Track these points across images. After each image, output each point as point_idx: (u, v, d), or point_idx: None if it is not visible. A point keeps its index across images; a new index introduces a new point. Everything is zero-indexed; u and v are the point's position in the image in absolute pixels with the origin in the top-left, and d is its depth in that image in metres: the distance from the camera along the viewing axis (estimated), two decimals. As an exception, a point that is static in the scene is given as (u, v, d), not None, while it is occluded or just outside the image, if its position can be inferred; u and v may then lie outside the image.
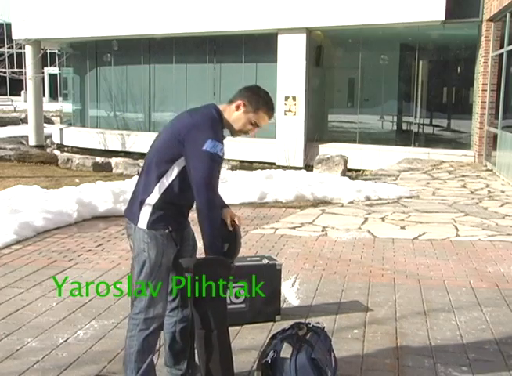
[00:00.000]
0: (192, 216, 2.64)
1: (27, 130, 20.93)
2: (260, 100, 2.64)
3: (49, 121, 26.06)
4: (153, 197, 2.58)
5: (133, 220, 2.62)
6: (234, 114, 2.65)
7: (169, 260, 2.61)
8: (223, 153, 2.55)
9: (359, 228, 6.62)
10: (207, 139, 2.50)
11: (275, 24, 14.61)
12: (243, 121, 2.64)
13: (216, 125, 2.59)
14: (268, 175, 9.58)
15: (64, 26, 17.60)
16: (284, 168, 12.25)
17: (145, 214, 2.59)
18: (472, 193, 9.14)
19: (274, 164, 14.83)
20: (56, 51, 24.41)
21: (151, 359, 2.64)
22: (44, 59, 24.40)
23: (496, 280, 4.76)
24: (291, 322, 3.07)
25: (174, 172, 2.57)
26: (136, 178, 2.88)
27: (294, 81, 14.80)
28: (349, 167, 11.25)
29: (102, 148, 17.86)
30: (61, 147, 20.09)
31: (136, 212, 2.61)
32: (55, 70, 30.79)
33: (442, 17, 12.84)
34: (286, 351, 2.80)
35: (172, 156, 2.56)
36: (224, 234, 2.70)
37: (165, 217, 2.60)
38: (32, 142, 20.20)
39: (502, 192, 9.23)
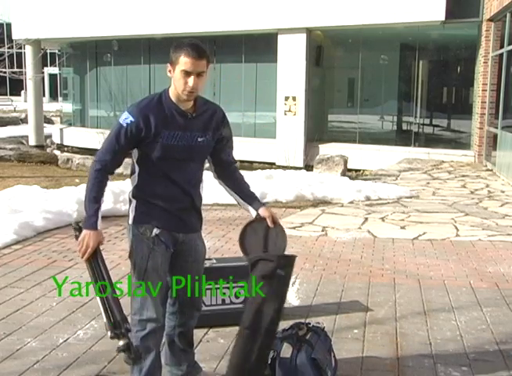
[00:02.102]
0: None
1: (27, 130, 20.92)
2: (176, 49, 2.48)
3: (49, 121, 26.04)
4: (131, 190, 2.64)
5: (127, 220, 2.65)
6: (173, 80, 2.54)
7: (156, 264, 2.57)
8: (128, 123, 2.49)
9: (359, 228, 6.62)
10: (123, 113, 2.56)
11: (275, 24, 14.61)
12: (177, 76, 2.48)
13: (146, 103, 2.59)
14: (268, 175, 9.57)
15: (64, 26, 17.59)
16: (284, 168, 12.25)
17: (130, 209, 2.62)
18: (472, 193, 9.14)
19: (274, 164, 14.83)
20: (56, 51, 24.40)
21: (154, 359, 2.63)
22: (44, 59, 24.38)
23: (496, 280, 4.76)
24: (291, 322, 3.08)
25: (135, 163, 2.61)
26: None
27: (294, 81, 14.79)
28: (349, 167, 11.25)
29: (102, 148, 17.86)
30: (61, 147, 20.09)
31: (128, 211, 2.65)
32: (55, 70, 30.76)
33: (442, 17, 12.83)
34: (286, 351, 2.81)
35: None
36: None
37: (147, 212, 2.58)
38: (32, 142, 20.19)
39: (503, 192, 9.23)
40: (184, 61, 2.45)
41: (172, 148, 2.52)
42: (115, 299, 2.46)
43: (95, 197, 2.50)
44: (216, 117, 2.67)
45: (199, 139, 2.58)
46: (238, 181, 2.78)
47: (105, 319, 2.45)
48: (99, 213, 2.51)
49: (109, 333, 2.43)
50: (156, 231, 2.56)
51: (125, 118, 2.50)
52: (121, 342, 2.42)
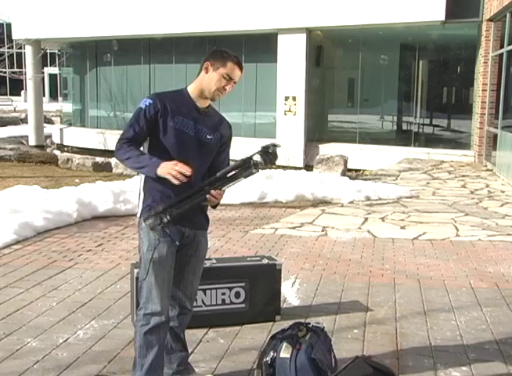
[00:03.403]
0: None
1: (27, 130, 20.93)
2: (224, 54, 2.67)
3: (49, 121, 26.05)
4: (141, 184, 2.72)
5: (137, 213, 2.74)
6: (205, 78, 2.68)
7: (162, 256, 2.61)
8: (147, 105, 2.61)
9: (359, 228, 6.61)
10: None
11: (275, 24, 14.61)
12: (216, 77, 2.64)
13: (164, 92, 2.73)
14: (268, 175, 9.57)
15: (64, 26, 17.60)
16: (284, 168, 12.23)
17: (139, 203, 2.70)
18: (472, 193, 9.14)
19: (274, 164, 14.80)
20: (56, 51, 24.42)
21: (157, 355, 2.63)
22: (44, 59, 24.39)
23: (496, 280, 4.76)
24: (291, 322, 3.08)
25: (146, 152, 2.70)
26: (137, 178, 2.90)
27: (294, 81, 14.79)
28: (349, 167, 11.24)
29: (102, 148, 17.84)
30: (61, 147, 20.10)
31: (137, 204, 2.73)
32: (55, 70, 30.80)
33: (442, 17, 12.83)
34: (285, 351, 2.81)
35: None
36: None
37: (153, 205, 2.59)
38: (32, 142, 20.21)
39: (503, 192, 9.23)
40: (232, 67, 2.65)
41: (183, 135, 2.62)
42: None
43: (139, 154, 2.59)
44: (223, 125, 2.81)
45: (208, 136, 2.70)
46: None
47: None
48: (152, 157, 2.58)
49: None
50: (163, 221, 2.59)
51: (144, 101, 2.66)
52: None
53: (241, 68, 2.68)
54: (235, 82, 2.68)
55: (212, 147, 2.72)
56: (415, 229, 6.59)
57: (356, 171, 12.50)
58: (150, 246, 2.61)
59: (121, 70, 18.56)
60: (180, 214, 2.51)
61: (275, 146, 2.57)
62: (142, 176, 2.68)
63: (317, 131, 15.62)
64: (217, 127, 2.75)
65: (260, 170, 2.57)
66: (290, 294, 4.33)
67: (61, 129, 20.80)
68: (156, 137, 2.64)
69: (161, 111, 2.61)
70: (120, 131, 2.70)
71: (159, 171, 2.50)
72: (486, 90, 12.85)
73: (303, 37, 14.59)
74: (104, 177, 9.81)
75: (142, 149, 2.66)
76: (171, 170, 2.47)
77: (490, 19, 12.47)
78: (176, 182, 2.47)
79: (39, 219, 6.18)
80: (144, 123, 2.62)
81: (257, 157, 2.54)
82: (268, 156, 2.55)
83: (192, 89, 2.71)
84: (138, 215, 2.69)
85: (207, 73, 2.67)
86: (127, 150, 2.59)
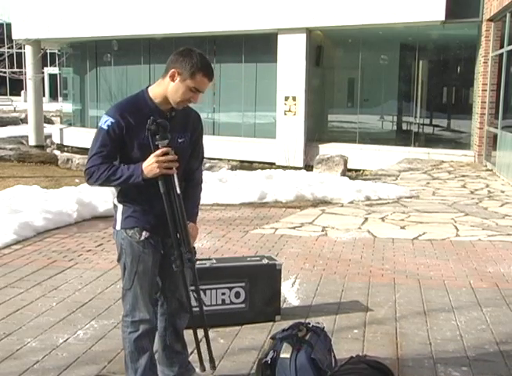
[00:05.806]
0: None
1: (27, 130, 20.94)
2: (194, 64, 2.42)
3: (49, 121, 26.04)
4: (116, 196, 2.62)
5: (113, 225, 2.64)
6: (170, 86, 2.46)
7: (146, 267, 2.57)
8: (109, 125, 2.43)
9: (359, 228, 6.61)
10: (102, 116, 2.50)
11: (275, 24, 14.61)
12: (182, 89, 2.44)
13: (123, 103, 2.52)
14: (268, 175, 9.58)
15: (64, 26, 17.60)
16: (284, 168, 12.25)
17: (117, 215, 2.60)
18: (472, 193, 9.14)
19: (274, 164, 14.83)
20: (56, 51, 24.42)
21: (149, 358, 2.65)
22: (44, 59, 24.40)
23: (496, 280, 4.76)
24: (291, 322, 3.08)
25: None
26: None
27: (294, 81, 14.79)
28: (349, 167, 11.25)
29: (102, 148, 17.86)
30: (61, 147, 20.11)
31: (114, 216, 2.64)
32: (55, 70, 30.79)
33: (442, 17, 12.84)
34: (285, 351, 2.81)
35: None
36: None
37: (135, 216, 2.56)
38: (32, 142, 20.21)
39: (502, 192, 9.23)
40: (202, 80, 2.45)
41: (150, 148, 2.46)
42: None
43: (113, 169, 2.44)
44: (192, 119, 2.66)
45: (179, 140, 2.55)
46: (187, 196, 2.64)
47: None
48: (128, 166, 2.45)
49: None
50: (145, 234, 2.56)
51: (105, 121, 2.45)
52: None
53: (212, 79, 2.47)
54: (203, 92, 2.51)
55: (185, 149, 2.59)
56: (415, 229, 6.59)
57: (356, 171, 12.51)
58: (134, 259, 2.55)
59: (121, 70, 18.56)
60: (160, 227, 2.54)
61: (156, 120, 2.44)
62: (116, 189, 2.60)
63: (317, 131, 15.63)
64: (186, 126, 2.60)
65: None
66: (290, 294, 4.33)
67: (61, 129, 20.82)
68: (125, 153, 2.49)
69: (126, 129, 2.44)
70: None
71: (146, 174, 2.40)
72: (486, 90, 12.85)
73: (303, 37, 14.60)
74: (104, 177, 9.80)
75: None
76: (159, 167, 2.39)
77: (490, 19, 12.47)
78: (172, 172, 2.43)
79: (39, 219, 6.18)
80: (111, 144, 2.45)
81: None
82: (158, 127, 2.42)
83: (155, 94, 2.51)
84: (119, 227, 2.58)
85: (172, 81, 2.45)
86: (98, 173, 2.44)
